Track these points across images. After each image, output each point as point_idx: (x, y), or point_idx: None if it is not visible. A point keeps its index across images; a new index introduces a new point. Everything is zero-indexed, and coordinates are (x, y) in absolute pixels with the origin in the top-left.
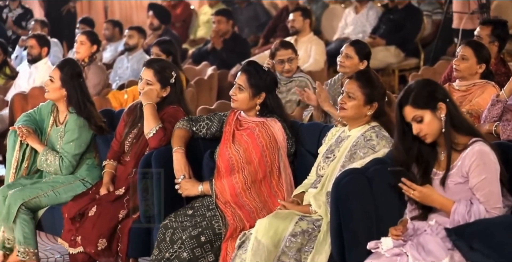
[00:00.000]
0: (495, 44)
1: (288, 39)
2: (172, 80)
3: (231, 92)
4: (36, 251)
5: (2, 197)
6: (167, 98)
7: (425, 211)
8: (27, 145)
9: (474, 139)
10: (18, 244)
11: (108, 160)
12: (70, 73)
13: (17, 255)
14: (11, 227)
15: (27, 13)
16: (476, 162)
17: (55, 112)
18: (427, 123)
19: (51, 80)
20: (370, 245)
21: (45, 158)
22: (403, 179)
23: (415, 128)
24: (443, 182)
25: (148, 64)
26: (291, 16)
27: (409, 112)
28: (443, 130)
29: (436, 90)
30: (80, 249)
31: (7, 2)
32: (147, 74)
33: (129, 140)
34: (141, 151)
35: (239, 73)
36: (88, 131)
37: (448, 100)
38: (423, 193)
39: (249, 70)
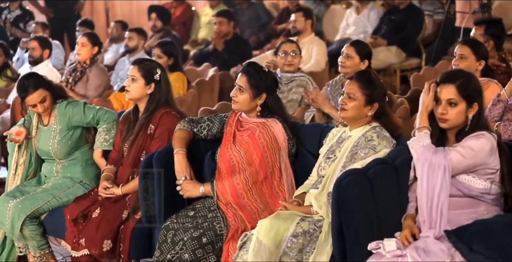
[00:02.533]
0: (490, 43)
1: None
2: (157, 77)
3: (231, 94)
4: (50, 250)
5: (3, 206)
6: (152, 96)
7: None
8: (24, 147)
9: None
10: (33, 250)
11: (106, 165)
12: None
13: (34, 257)
14: (19, 237)
15: (26, 15)
16: (474, 137)
17: (37, 117)
18: (456, 112)
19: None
20: (371, 245)
21: (102, 137)
22: None
23: (444, 108)
24: None
25: (134, 62)
26: (292, 17)
27: (450, 92)
28: (467, 129)
29: (480, 91)
30: (84, 252)
31: (7, 4)
32: (132, 70)
33: (126, 146)
34: (137, 156)
35: (239, 75)
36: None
37: (480, 105)
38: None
39: (250, 71)
